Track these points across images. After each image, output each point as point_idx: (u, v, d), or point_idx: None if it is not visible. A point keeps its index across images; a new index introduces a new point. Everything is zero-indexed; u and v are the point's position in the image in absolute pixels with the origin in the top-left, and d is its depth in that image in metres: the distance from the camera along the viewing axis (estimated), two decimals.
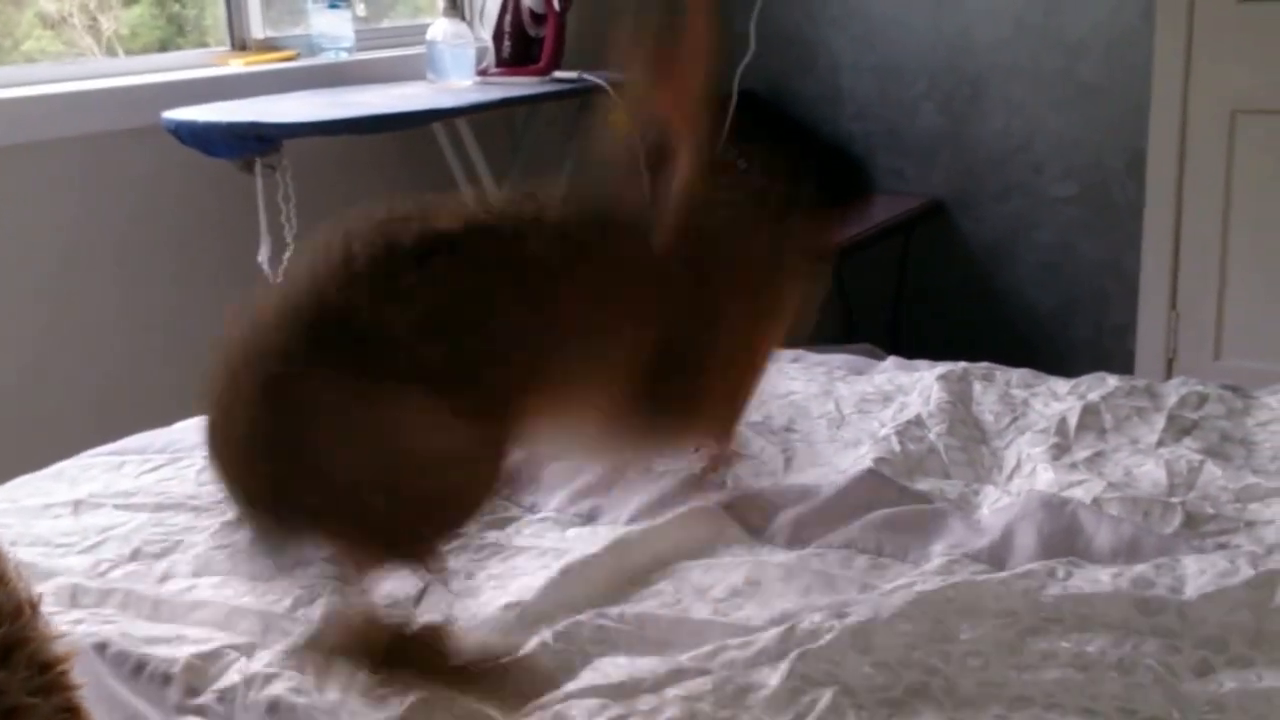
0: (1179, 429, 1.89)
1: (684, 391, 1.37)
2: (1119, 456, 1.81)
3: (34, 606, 0.95)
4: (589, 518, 1.68)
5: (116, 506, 1.77)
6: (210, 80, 3.16)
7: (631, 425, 1.35)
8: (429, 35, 3.41)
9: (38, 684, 0.91)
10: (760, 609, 1.42)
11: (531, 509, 1.71)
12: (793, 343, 2.39)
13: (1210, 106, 3.76)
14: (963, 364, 2.16)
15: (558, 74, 3.52)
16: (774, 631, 1.34)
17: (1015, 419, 1.97)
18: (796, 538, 1.60)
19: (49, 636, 0.95)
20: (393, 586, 1.35)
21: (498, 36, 3.63)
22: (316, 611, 1.38)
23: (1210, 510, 1.62)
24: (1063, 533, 1.56)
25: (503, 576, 1.51)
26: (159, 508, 1.75)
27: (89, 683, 1.02)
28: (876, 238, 3.98)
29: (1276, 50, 3.66)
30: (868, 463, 1.78)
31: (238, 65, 3.28)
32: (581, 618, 1.37)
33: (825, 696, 1.23)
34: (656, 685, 1.25)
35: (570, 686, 1.24)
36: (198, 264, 3.10)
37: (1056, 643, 1.32)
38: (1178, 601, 1.36)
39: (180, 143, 2.82)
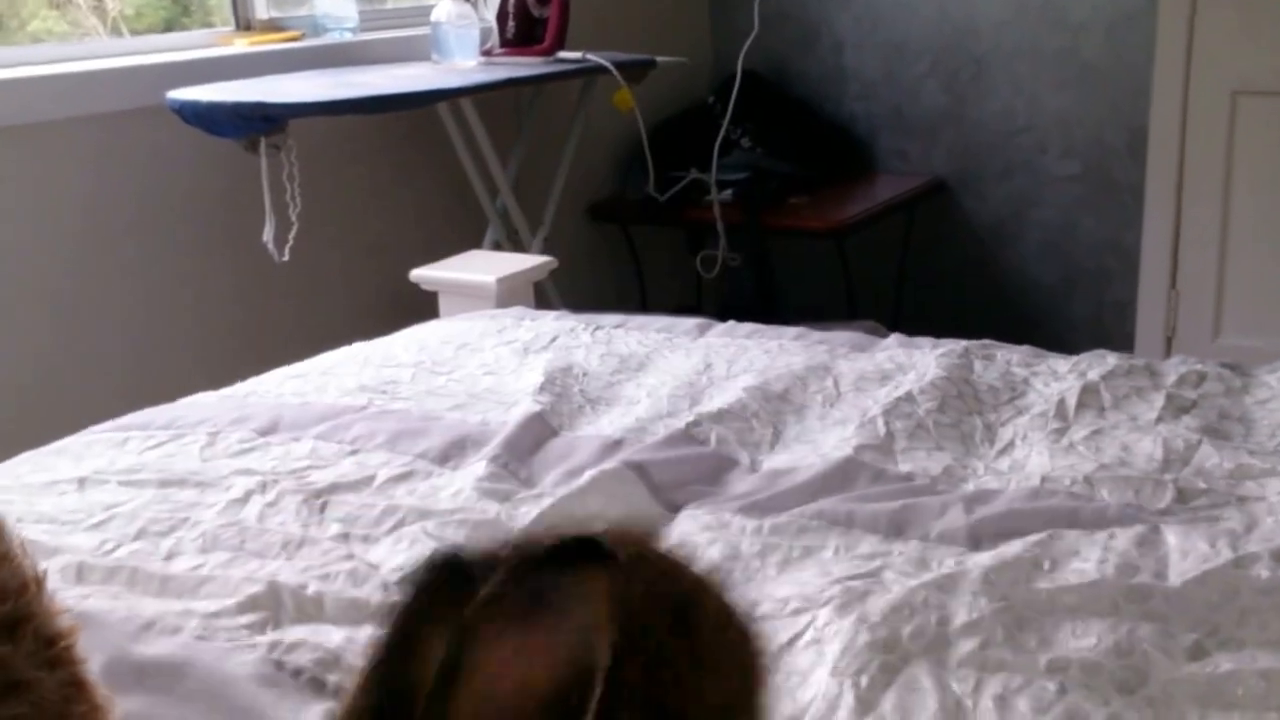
0: (1178, 407, 1.90)
1: None
2: (1117, 434, 1.82)
3: (39, 583, 0.94)
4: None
5: (121, 483, 1.76)
6: (215, 60, 3.17)
7: None
8: (433, 16, 3.42)
9: (44, 658, 0.91)
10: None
11: None
12: (796, 322, 2.42)
13: (1211, 87, 3.76)
14: (964, 342, 2.18)
15: (562, 54, 3.53)
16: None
17: (1014, 397, 1.99)
18: (766, 508, 1.64)
19: (54, 612, 0.95)
20: None
21: (502, 17, 3.64)
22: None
23: (1202, 485, 1.64)
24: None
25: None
26: (164, 484, 1.75)
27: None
28: (879, 217, 4.00)
29: (1278, 32, 3.67)
30: (849, 450, 1.80)
31: (242, 45, 3.28)
32: None
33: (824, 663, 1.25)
34: None
35: None
36: (201, 243, 3.11)
37: (1051, 625, 1.34)
38: (1164, 588, 1.38)
39: (185, 122, 2.84)
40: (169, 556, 1.55)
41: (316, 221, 3.08)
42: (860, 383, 2.08)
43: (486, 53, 3.55)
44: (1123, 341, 3.91)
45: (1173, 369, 2.03)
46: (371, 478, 1.78)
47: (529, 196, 3.66)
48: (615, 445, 1.85)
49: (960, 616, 1.35)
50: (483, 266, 3.03)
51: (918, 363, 2.11)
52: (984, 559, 1.48)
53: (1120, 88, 3.94)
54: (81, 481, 1.77)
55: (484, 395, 2.08)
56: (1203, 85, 3.77)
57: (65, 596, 1.35)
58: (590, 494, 1.67)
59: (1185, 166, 3.84)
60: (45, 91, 2.82)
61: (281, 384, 2.18)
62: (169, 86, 2.89)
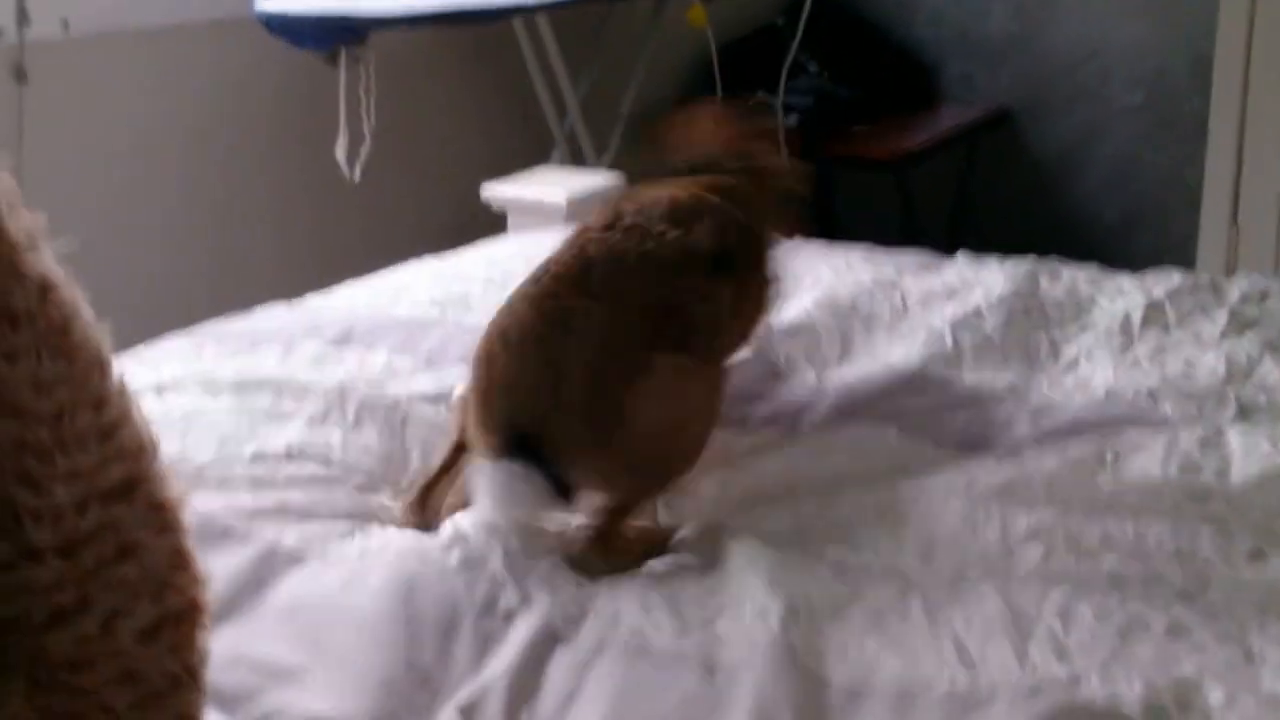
0: (1241, 323, 1.94)
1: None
2: (1181, 350, 1.86)
3: (155, 446, 0.95)
4: None
5: (200, 389, 1.75)
6: None
7: None
8: None
9: (154, 522, 0.92)
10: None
11: None
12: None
13: (1278, 16, 3.75)
14: (1031, 260, 2.22)
15: None
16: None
17: (1080, 314, 2.02)
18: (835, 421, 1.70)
19: (165, 477, 0.95)
20: None
21: None
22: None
23: (1264, 399, 1.68)
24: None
25: None
26: (241, 388, 1.75)
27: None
28: (942, 146, 4.01)
29: None
30: (915, 360, 1.85)
31: None
32: None
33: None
34: None
35: None
36: (275, 158, 3.16)
37: (1114, 530, 1.38)
38: (1226, 489, 1.43)
39: (269, 33, 2.86)
40: (254, 459, 1.57)
41: (387, 138, 3.11)
42: (927, 298, 2.11)
43: None
44: None
45: (1236, 286, 2.06)
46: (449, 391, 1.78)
47: (595, 115, 3.68)
48: None
49: (1022, 525, 1.39)
50: (553, 184, 3.07)
51: (985, 279, 2.15)
52: (1048, 464, 1.52)
53: (1187, 14, 3.93)
54: (160, 388, 1.75)
55: None
56: (1269, 14, 3.75)
57: None
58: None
59: (1249, 99, 3.82)
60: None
61: (353, 297, 2.18)
62: None
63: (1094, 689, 1.15)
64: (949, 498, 1.47)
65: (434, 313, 2.06)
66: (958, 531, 1.40)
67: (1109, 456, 1.50)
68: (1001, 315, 1.99)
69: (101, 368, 0.92)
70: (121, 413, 0.92)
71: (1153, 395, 1.71)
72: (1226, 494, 1.41)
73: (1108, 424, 1.61)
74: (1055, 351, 1.91)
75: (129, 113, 2.88)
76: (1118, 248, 4.11)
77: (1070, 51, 4.15)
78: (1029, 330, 1.96)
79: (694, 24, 3.58)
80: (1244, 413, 1.65)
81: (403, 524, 1.47)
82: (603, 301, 1.46)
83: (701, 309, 1.52)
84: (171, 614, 0.93)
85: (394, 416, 1.70)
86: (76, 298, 0.92)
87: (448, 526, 1.42)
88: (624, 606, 1.29)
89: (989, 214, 4.33)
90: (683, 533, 1.47)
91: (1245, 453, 1.49)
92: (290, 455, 1.58)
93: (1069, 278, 2.15)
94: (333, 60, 2.93)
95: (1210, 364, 1.79)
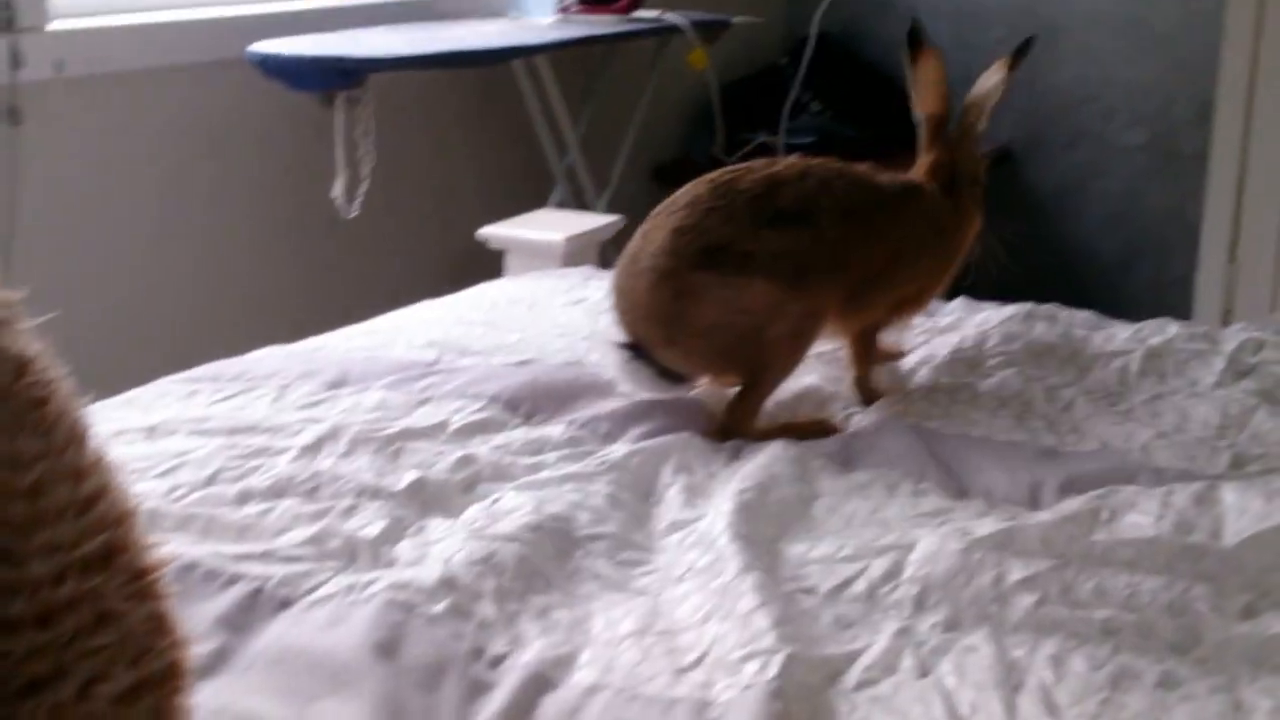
0: (1237, 372, 1.94)
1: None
2: (1176, 399, 1.86)
3: (135, 515, 0.93)
4: None
5: (191, 432, 1.74)
6: (296, 14, 3.21)
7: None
8: None
9: (133, 590, 0.91)
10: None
11: None
12: None
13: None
14: (1028, 305, 2.21)
15: (638, 13, 3.55)
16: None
17: (1075, 360, 2.02)
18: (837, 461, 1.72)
19: (145, 544, 0.94)
20: None
21: None
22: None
23: (1258, 450, 1.67)
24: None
25: None
26: (233, 431, 1.74)
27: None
28: None
29: None
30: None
31: None
32: None
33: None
34: None
35: None
36: (271, 199, 3.16)
37: (1107, 583, 1.37)
38: (1219, 548, 1.42)
39: (265, 75, 2.86)
40: (241, 501, 1.56)
41: (385, 177, 3.11)
42: (924, 338, 2.13)
43: (563, 9, 3.56)
44: (1181, 315, 3.85)
45: (1232, 336, 2.06)
46: (444, 424, 1.79)
47: (596, 156, 3.69)
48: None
49: (1016, 574, 1.38)
50: (550, 225, 3.06)
51: (981, 323, 2.15)
52: (1043, 516, 1.51)
53: (1190, 57, 3.94)
54: (151, 430, 1.75)
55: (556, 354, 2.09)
56: (1272, 56, 3.76)
57: None
58: None
59: (1250, 137, 3.83)
60: (127, 41, 2.86)
61: (349, 340, 2.17)
62: (250, 39, 2.90)
63: None
64: (945, 542, 1.46)
65: (430, 355, 2.06)
66: (953, 577, 1.39)
67: (1104, 514, 1.49)
68: (997, 359, 1.99)
69: (79, 441, 0.91)
70: (100, 484, 0.91)
71: (1145, 449, 1.70)
72: (1220, 552, 1.40)
73: (1104, 478, 1.60)
74: (1051, 398, 1.90)
75: (123, 154, 2.88)
76: (1118, 283, 4.12)
77: (1072, 91, 4.16)
78: (1027, 380, 1.96)
79: (695, 67, 3.58)
80: (1238, 464, 1.64)
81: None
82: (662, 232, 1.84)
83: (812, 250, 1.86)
84: (150, 678, 0.92)
85: (387, 449, 1.70)
86: (54, 371, 0.91)
87: (436, 567, 1.42)
88: (616, 650, 1.29)
89: (989, 251, 4.32)
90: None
91: (1239, 510, 1.49)
92: (277, 492, 1.58)
93: (1065, 323, 2.15)
94: (329, 102, 2.93)
95: (1204, 414, 1.78)
